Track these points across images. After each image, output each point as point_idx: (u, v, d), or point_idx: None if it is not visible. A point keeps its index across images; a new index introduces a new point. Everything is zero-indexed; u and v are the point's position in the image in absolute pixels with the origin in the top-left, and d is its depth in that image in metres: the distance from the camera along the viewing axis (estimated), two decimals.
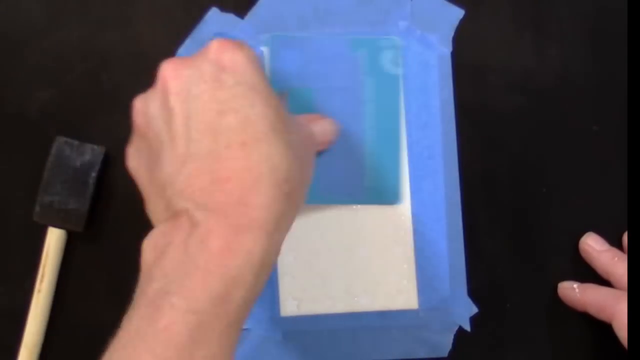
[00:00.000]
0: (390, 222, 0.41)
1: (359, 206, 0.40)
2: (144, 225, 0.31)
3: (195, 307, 0.26)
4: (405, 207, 0.41)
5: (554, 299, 0.41)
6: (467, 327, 0.40)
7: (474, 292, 0.41)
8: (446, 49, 0.41)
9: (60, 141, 0.39)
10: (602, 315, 0.38)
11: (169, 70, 0.30)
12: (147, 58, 0.41)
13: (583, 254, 0.41)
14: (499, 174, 0.42)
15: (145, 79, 0.41)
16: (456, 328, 0.40)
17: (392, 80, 0.39)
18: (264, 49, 0.40)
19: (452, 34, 0.41)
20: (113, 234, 0.41)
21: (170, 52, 0.41)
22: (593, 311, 0.38)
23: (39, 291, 0.39)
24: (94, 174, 0.39)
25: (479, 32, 0.42)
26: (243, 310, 0.28)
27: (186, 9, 0.41)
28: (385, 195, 0.39)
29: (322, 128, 0.36)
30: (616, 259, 0.39)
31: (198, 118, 0.29)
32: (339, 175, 0.38)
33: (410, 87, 0.41)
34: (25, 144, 0.41)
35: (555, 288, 0.41)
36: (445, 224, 0.41)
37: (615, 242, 0.41)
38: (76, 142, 0.39)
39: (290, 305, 0.40)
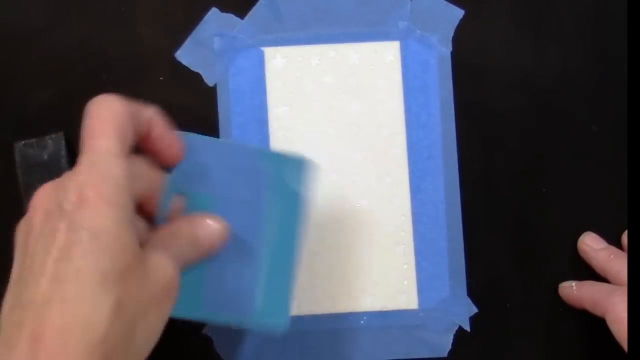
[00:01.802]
0: (390, 222, 0.41)
1: (359, 206, 0.41)
2: None
3: None
4: (405, 207, 0.41)
5: (554, 299, 0.41)
6: (467, 327, 0.40)
7: (474, 292, 0.41)
8: (446, 49, 0.41)
9: (19, 146, 0.40)
10: (597, 310, 0.38)
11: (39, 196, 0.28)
12: (147, 58, 0.41)
13: (581, 254, 0.41)
14: (499, 173, 0.41)
15: (146, 79, 0.41)
16: (456, 328, 0.40)
17: (294, 199, 0.35)
18: (264, 49, 0.41)
19: (452, 34, 0.41)
20: None
21: (170, 52, 0.41)
22: (589, 307, 0.38)
23: None
24: (63, 159, 0.40)
25: (479, 32, 0.42)
26: None
27: (186, 9, 0.41)
28: (273, 320, 0.35)
29: (206, 231, 0.32)
30: (612, 256, 0.39)
31: (38, 260, 0.27)
32: (227, 290, 0.34)
33: (410, 87, 0.41)
34: None
35: (555, 288, 0.41)
36: (445, 224, 0.41)
37: (615, 242, 0.41)
38: (34, 140, 0.40)
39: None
